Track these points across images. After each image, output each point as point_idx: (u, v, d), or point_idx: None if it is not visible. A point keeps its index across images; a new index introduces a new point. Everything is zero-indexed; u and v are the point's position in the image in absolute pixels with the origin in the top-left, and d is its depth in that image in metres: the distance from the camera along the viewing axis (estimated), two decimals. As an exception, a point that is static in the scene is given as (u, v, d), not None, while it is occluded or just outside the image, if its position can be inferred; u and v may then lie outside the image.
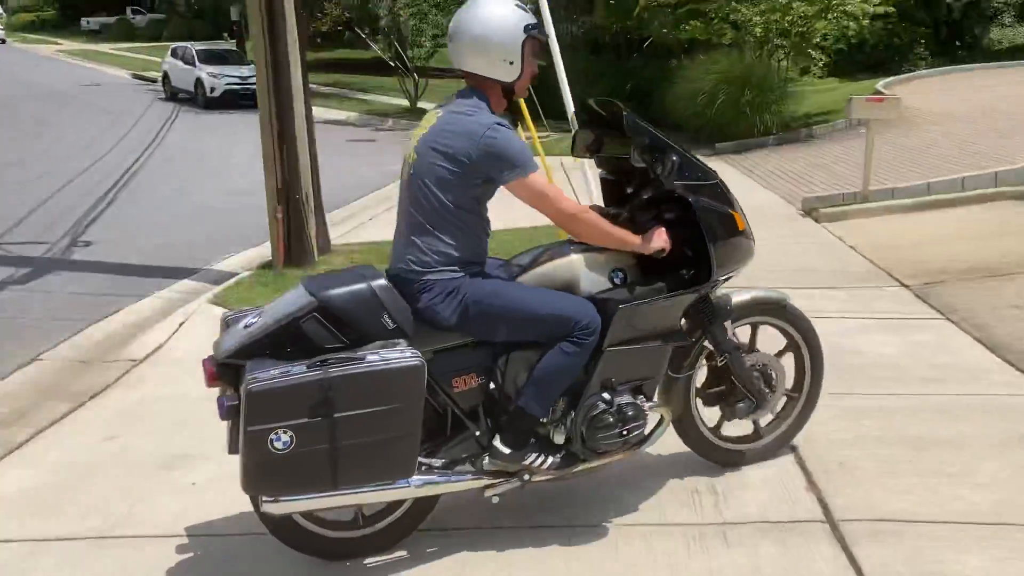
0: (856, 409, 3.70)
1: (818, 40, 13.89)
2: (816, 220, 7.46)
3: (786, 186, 9.04)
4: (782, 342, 3.27)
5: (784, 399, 3.30)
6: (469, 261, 2.73)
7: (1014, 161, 8.47)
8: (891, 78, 18.03)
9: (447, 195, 2.67)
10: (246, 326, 2.59)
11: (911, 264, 5.84)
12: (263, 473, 2.46)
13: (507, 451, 2.74)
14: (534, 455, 2.78)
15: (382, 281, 2.64)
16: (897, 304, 5.14)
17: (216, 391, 2.57)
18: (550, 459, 2.81)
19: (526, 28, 2.68)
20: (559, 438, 2.84)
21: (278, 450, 2.40)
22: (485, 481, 2.78)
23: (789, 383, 3.27)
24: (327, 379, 2.42)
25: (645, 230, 2.84)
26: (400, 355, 2.51)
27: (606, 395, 2.83)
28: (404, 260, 2.73)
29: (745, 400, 3.16)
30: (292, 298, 2.62)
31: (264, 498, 2.53)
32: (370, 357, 2.49)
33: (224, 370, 2.54)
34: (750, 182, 9.69)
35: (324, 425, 2.43)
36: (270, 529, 2.70)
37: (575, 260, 2.84)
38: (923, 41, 22.85)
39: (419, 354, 2.53)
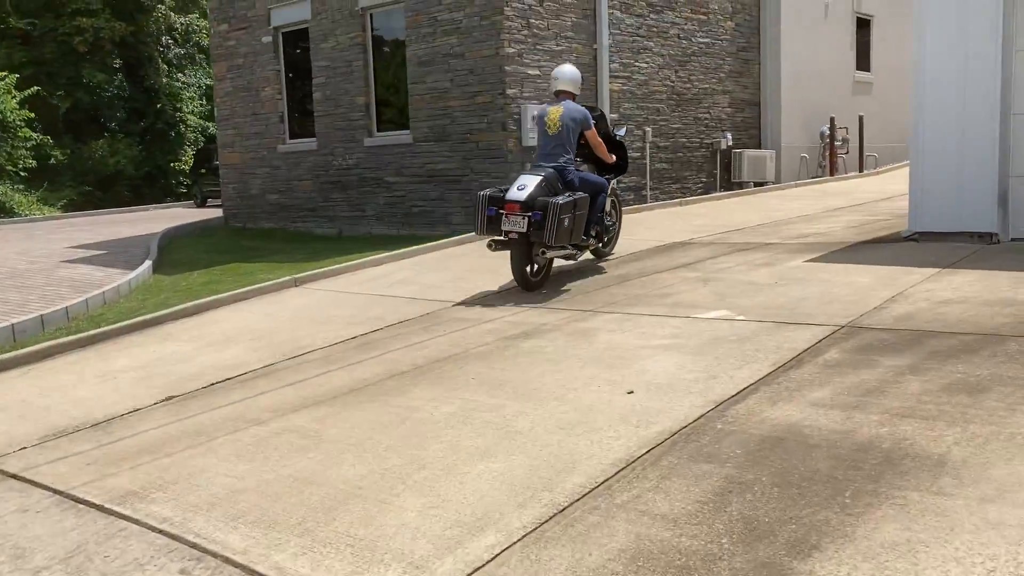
0: None
1: None
2: None
3: None
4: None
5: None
6: (575, 162, 7.58)
7: None
8: None
9: (575, 136, 7.46)
10: (519, 189, 6.96)
11: None
12: (560, 235, 6.81)
13: (586, 238, 7.46)
14: (593, 240, 7.72)
15: (552, 170, 7.25)
16: None
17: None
18: (595, 241, 7.79)
19: (581, 75, 8.15)
20: (593, 233, 7.64)
21: (565, 226, 6.80)
22: (575, 251, 7.55)
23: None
24: (574, 200, 6.95)
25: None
26: (581, 193, 7.20)
27: (607, 216, 8.05)
28: (556, 162, 7.34)
29: (613, 224, 8.43)
30: (533, 176, 7.11)
31: (545, 250, 7.02)
32: (578, 194, 7.12)
33: (524, 206, 6.84)
34: None
35: (572, 216, 6.89)
36: (521, 282, 7.12)
37: (587, 167, 7.90)
38: None
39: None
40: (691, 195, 14.52)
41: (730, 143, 15.45)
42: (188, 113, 33.06)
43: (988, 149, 7.45)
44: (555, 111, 7.49)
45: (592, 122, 7.65)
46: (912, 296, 5.76)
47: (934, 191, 7.79)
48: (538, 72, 11.95)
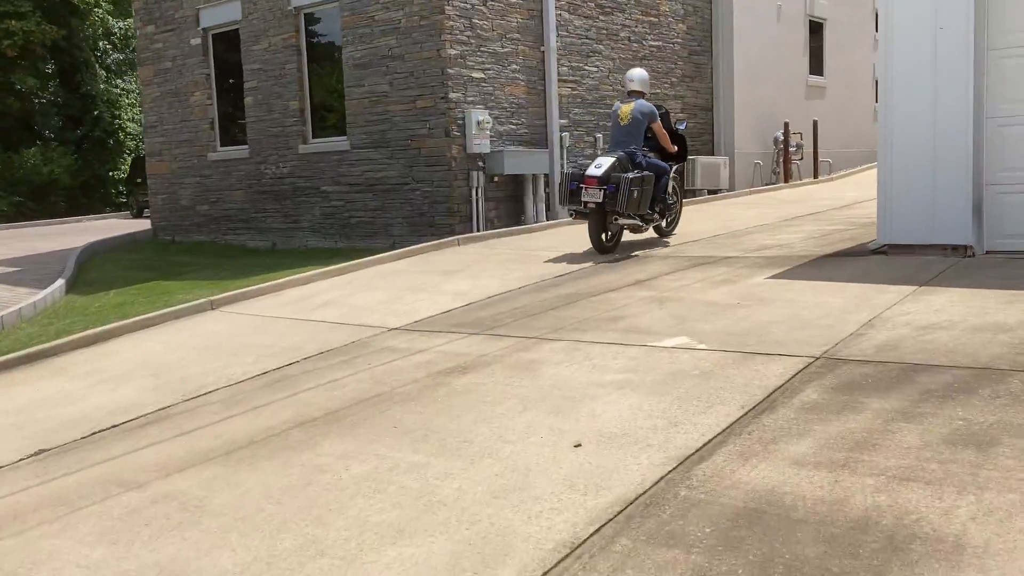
0: None
1: None
2: None
3: None
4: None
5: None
6: (642, 150, 8.96)
7: None
8: None
9: (643, 128, 8.93)
10: (596, 167, 8.37)
11: None
12: (629, 205, 8.24)
13: (651, 213, 8.71)
14: (656, 216, 8.93)
15: (624, 154, 8.66)
16: None
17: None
18: (658, 216, 8.98)
19: (649, 77, 10.08)
20: (657, 209, 8.84)
21: (634, 197, 8.23)
22: (642, 224, 8.83)
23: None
24: (641, 176, 8.39)
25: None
26: (648, 171, 8.60)
27: (668, 196, 9.17)
28: (627, 148, 8.76)
29: (675, 203, 9.62)
30: (608, 158, 8.54)
31: (617, 218, 8.52)
32: (645, 171, 8.54)
33: (600, 181, 8.22)
34: None
35: (640, 189, 8.29)
36: (597, 247, 8.61)
37: (653, 154, 9.06)
38: None
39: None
40: (645, 204, 13.93)
41: (684, 149, 14.92)
42: (127, 120, 31.81)
43: (962, 156, 6.91)
44: (627, 107, 8.98)
45: (658, 117, 9.07)
46: (891, 320, 5.17)
47: (904, 201, 7.24)
48: (482, 75, 11.26)
